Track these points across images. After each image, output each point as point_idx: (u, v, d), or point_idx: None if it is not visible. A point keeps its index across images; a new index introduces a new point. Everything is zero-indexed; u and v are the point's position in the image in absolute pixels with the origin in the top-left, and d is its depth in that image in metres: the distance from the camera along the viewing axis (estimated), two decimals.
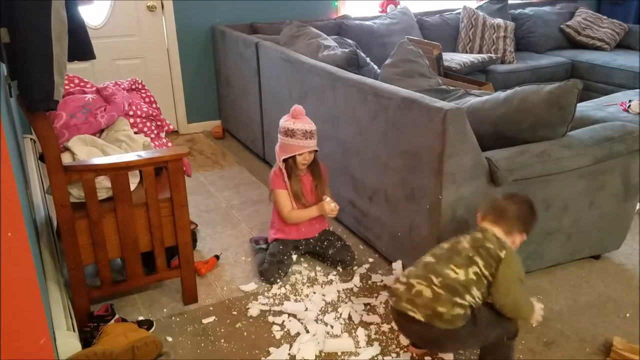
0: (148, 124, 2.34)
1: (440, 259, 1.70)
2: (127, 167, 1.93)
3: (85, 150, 2.03)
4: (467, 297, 1.63)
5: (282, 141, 2.35)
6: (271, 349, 1.95)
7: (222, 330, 2.06)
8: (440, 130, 1.93)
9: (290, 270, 2.42)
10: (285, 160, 2.35)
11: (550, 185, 2.16)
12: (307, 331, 2.03)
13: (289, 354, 1.92)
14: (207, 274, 2.42)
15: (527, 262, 2.30)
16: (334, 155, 2.64)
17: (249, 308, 2.17)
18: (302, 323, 2.07)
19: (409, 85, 2.43)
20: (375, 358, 1.91)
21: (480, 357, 1.83)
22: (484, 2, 4.97)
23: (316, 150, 2.37)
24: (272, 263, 2.35)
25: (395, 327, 1.97)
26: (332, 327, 2.06)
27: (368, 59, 2.82)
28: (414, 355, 1.92)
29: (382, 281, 2.34)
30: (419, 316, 1.63)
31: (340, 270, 2.43)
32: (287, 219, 2.41)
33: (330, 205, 2.35)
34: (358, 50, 2.78)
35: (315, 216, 2.43)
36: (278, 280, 2.34)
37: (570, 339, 2.00)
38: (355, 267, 2.44)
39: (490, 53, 4.56)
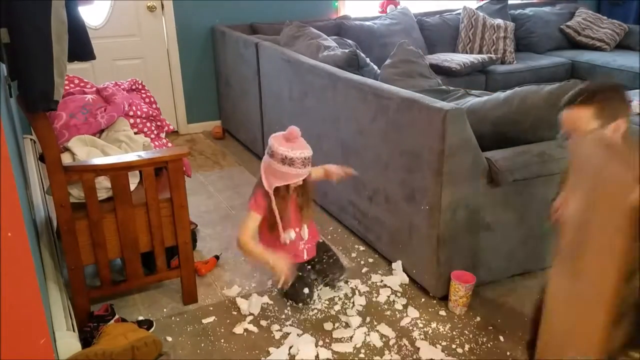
0: (148, 124, 2.34)
1: None
2: (127, 167, 1.93)
3: (85, 151, 2.03)
4: None
5: (276, 168, 2.02)
6: (271, 349, 1.95)
7: (222, 330, 2.06)
8: (440, 131, 1.93)
9: None
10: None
11: (551, 186, 2.15)
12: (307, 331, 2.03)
13: (289, 354, 1.92)
14: (207, 274, 2.42)
15: (527, 262, 2.30)
16: (334, 155, 2.64)
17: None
18: (302, 323, 2.07)
19: (409, 86, 2.43)
20: (375, 358, 1.91)
21: None
22: (484, 2, 4.97)
23: None
24: (293, 283, 2.12)
25: None
26: (332, 327, 2.06)
27: (368, 60, 2.82)
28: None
29: (382, 281, 2.34)
30: None
31: (329, 283, 2.28)
32: (240, 243, 2.09)
33: (284, 265, 2.03)
34: (358, 51, 2.78)
35: (266, 261, 2.06)
36: (308, 300, 2.15)
37: None
38: (347, 282, 2.31)
39: (490, 53, 4.56)
